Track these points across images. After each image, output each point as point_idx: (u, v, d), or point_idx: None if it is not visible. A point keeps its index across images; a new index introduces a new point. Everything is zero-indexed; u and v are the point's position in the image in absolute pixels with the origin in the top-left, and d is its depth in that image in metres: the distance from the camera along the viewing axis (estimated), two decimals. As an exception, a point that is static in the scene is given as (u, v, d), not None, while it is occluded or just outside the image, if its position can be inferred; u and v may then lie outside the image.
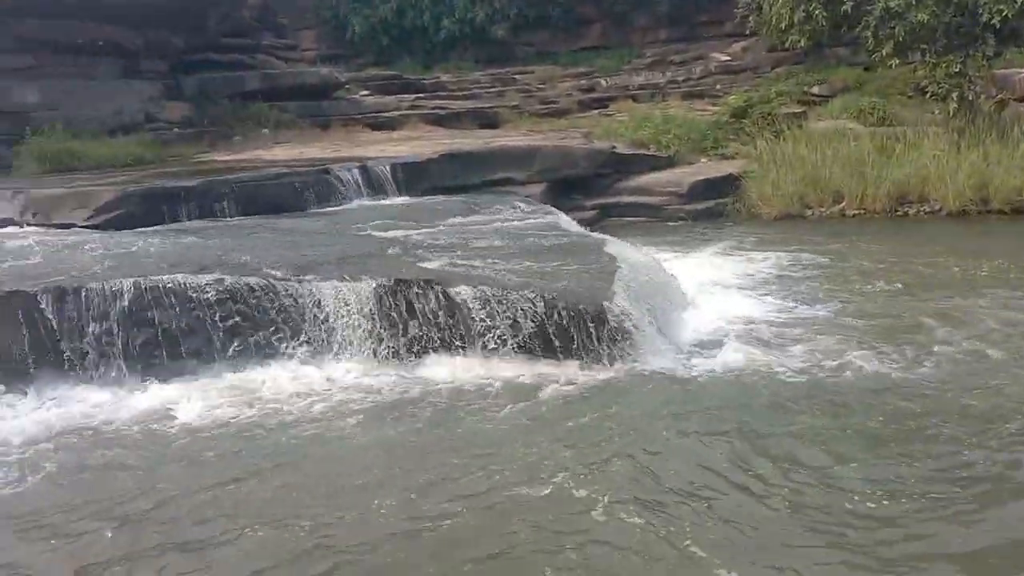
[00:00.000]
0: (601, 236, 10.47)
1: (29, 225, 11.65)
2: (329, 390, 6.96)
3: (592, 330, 7.11)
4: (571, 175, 15.90)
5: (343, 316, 7.53)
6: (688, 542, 4.41)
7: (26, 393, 6.90)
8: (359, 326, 7.53)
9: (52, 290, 7.24)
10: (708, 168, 16.81)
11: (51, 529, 4.88)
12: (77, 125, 16.72)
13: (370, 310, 7.52)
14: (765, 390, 6.53)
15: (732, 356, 7.24)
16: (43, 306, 7.14)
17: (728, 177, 16.01)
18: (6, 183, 13.31)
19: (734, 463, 5.31)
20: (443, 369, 7.25)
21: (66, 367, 7.11)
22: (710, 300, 9.14)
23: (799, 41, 17.98)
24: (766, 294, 9.59)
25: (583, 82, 24.63)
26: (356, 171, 13.71)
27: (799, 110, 18.08)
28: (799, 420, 5.94)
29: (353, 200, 13.22)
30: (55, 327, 7.13)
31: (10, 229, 11.53)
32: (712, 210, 15.70)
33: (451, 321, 7.43)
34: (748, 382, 6.73)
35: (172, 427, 6.35)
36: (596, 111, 22.17)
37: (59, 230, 11.09)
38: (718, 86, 22.60)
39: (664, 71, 24.43)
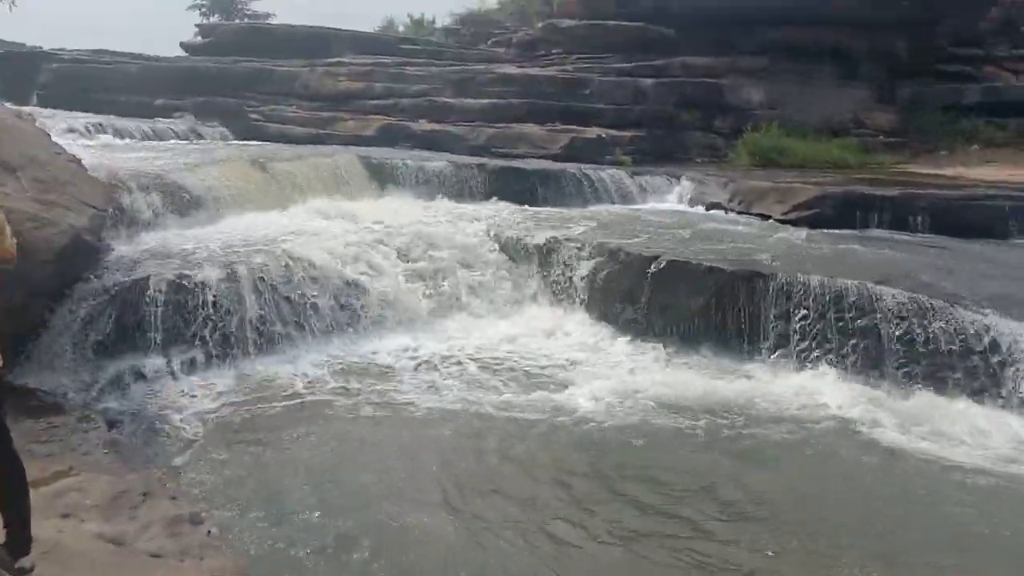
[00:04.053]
0: None
1: (732, 212, 13.11)
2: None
3: None
4: None
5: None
6: None
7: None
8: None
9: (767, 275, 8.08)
10: None
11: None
12: (789, 124, 17.98)
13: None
14: None
15: None
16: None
17: None
18: (722, 173, 15.10)
19: None
20: None
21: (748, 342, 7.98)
22: None
23: None
24: None
25: None
26: (1082, 202, 11.93)
27: None
28: None
29: (1072, 235, 11.57)
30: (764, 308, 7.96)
31: (716, 212, 13.21)
32: None
33: None
34: None
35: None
36: None
37: (757, 219, 12.28)
38: None
39: None
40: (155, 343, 6.95)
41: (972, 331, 7.09)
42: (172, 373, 6.85)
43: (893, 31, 19.65)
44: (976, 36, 21.12)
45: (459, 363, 7.64)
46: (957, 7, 19.64)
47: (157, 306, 7.03)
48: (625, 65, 19.54)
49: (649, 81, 18.75)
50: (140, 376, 6.73)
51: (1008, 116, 19.38)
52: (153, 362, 6.83)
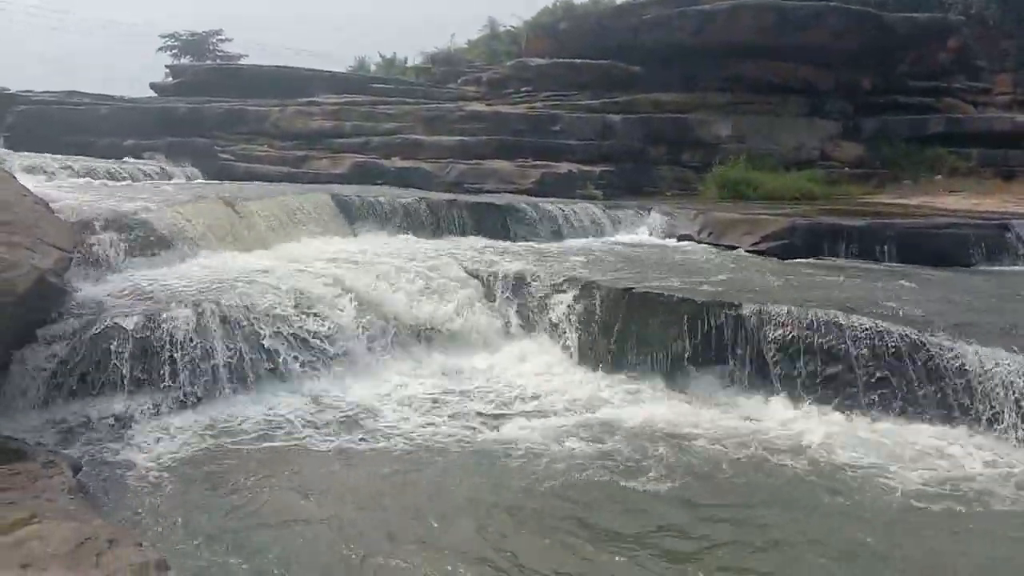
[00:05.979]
0: None
1: (703, 243, 13.23)
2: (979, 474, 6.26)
3: None
4: None
5: (998, 389, 6.81)
6: None
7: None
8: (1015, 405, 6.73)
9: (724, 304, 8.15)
10: None
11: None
12: (757, 158, 18.26)
13: (1031, 390, 6.66)
14: None
15: None
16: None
17: None
18: (692, 205, 15.27)
19: None
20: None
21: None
22: None
23: None
24: None
25: None
26: (1042, 230, 12.20)
27: None
28: None
29: (1032, 261, 11.82)
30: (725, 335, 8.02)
31: (686, 243, 13.31)
32: None
33: None
34: None
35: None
36: None
37: (727, 250, 12.39)
38: None
39: None
40: (122, 386, 6.82)
41: (941, 357, 7.17)
42: (139, 416, 6.71)
43: (856, 67, 20.17)
44: (935, 70, 21.76)
45: (435, 400, 7.58)
46: (917, 37, 20.26)
47: (123, 348, 6.91)
48: (593, 102, 19.78)
49: (617, 117, 18.98)
50: (106, 420, 6.59)
51: (969, 146, 19.89)
52: (120, 405, 6.68)
